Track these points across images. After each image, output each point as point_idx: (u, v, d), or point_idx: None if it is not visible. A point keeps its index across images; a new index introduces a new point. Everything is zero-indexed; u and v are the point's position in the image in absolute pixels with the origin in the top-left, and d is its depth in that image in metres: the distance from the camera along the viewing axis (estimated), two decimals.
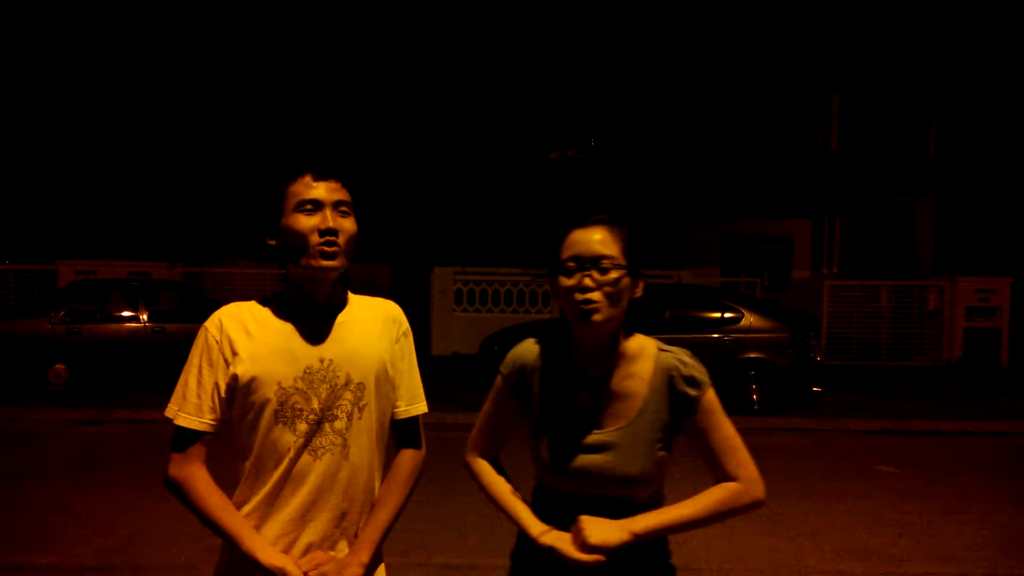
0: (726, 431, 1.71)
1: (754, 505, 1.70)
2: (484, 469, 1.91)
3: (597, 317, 1.62)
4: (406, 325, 1.92)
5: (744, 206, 17.45)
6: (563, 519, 1.70)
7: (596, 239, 1.66)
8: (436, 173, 17.11)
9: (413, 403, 1.90)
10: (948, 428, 8.87)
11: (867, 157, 17.44)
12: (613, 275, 1.63)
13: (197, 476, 1.72)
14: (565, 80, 16.94)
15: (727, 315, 9.53)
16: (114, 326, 10.04)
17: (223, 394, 1.71)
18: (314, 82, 17.50)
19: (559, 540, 1.66)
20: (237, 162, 17.12)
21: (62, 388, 9.52)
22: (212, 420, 1.72)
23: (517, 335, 11.94)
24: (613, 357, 1.73)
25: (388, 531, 1.82)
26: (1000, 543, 5.17)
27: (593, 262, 1.63)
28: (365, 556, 1.75)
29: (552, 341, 1.83)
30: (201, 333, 1.76)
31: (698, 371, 1.71)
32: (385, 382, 1.82)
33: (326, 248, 1.70)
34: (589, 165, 16.05)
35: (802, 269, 17.96)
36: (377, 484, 1.85)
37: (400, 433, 1.91)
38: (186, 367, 1.76)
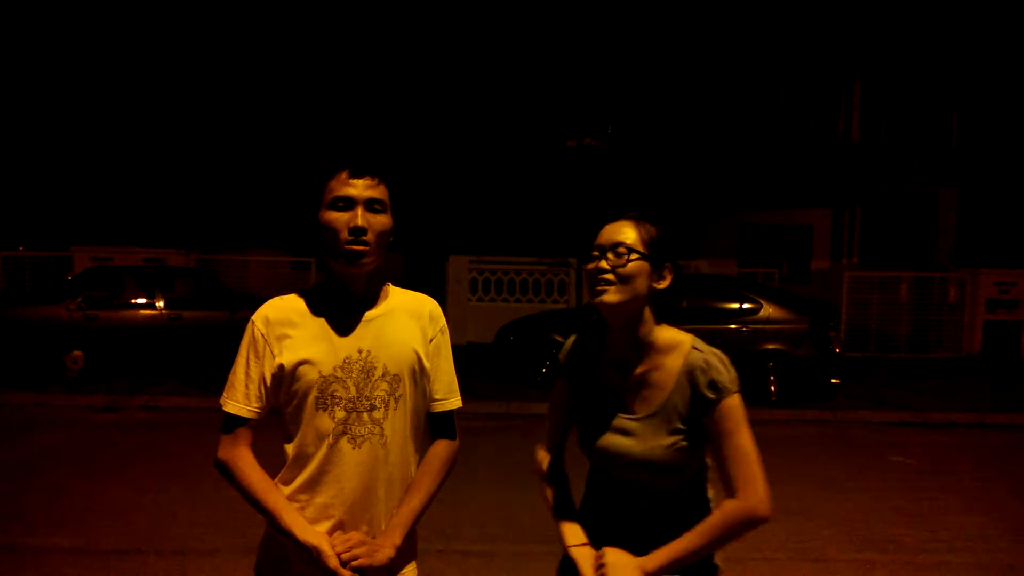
0: (739, 440, 1.72)
1: (752, 524, 1.71)
2: (541, 462, 2.05)
3: (606, 298, 1.76)
4: (443, 322, 2.00)
5: (762, 195, 17.32)
6: (600, 498, 1.90)
7: (617, 230, 1.80)
8: (451, 161, 17.08)
9: (448, 397, 1.98)
10: (966, 420, 8.79)
11: (888, 146, 17.25)
12: (623, 259, 1.76)
13: (243, 458, 1.82)
14: (582, 68, 16.83)
15: (745, 306, 9.44)
16: (130, 313, 10.08)
17: (268, 383, 1.82)
18: (328, 69, 17.48)
19: (584, 558, 1.81)
20: (251, 150, 17.16)
21: (79, 374, 9.57)
22: (258, 407, 1.83)
23: (533, 324, 11.90)
24: (643, 345, 1.83)
25: (419, 517, 1.89)
26: (1016, 533, 5.15)
27: (611, 248, 1.78)
28: (397, 539, 1.82)
29: (592, 331, 1.96)
30: (248, 327, 1.85)
31: (724, 376, 1.74)
32: (421, 376, 1.90)
33: (354, 247, 1.76)
34: (606, 153, 15.94)
35: (821, 259, 17.81)
36: (412, 473, 1.92)
37: (435, 426, 1.98)
38: (236, 358, 1.85)
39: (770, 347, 9.16)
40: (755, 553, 4.70)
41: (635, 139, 17.15)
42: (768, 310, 9.34)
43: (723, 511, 1.72)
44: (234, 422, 1.82)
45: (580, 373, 1.92)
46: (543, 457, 2.04)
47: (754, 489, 1.70)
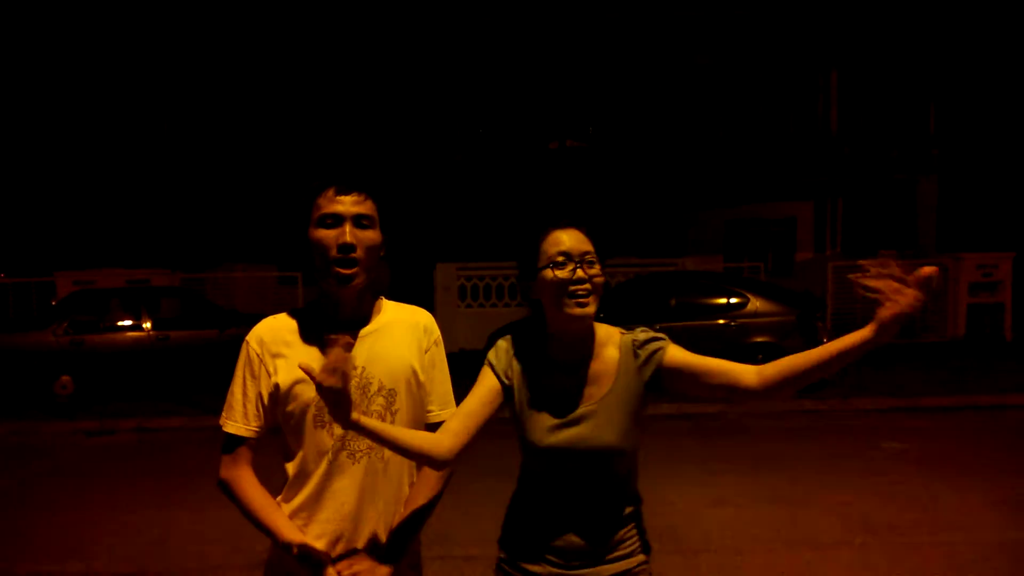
0: (706, 357, 1.81)
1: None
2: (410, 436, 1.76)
3: (588, 311, 1.78)
4: (437, 334, 2.01)
5: (746, 190, 17.42)
6: (549, 505, 1.87)
7: (580, 237, 1.83)
8: (435, 169, 17.08)
9: (444, 408, 1.99)
10: (953, 403, 8.90)
11: (867, 136, 17.40)
12: (597, 268, 1.81)
13: (244, 478, 1.83)
14: (561, 70, 16.89)
15: (732, 300, 9.51)
16: (117, 335, 10.01)
17: (266, 402, 1.84)
18: (311, 81, 17.46)
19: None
20: (233, 165, 17.09)
21: (69, 400, 9.51)
22: (256, 427, 1.84)
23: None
24: (586, 343, 1.88)
25: (419, 529, 1.91)
26: (1005, 512, 5.22)
27: (581, 257, 1.80)
28: (397, 553, 1.84)
29: (528, 334, 1.96)
30: (243, 347, 1.87)
31: (653, 333, 1.87)
32: (417, 388, 1.91)
33: (342, 268, 1.77)
34: (588, 154, 16.00)
35: (805, 251, 17.93)
36: (409, 486, 1.94)
37: None
38: (233, 379, 1.87)
39: (759, 340, 9.22)
40: (752, 542, 4.74)
41: (616, 139, 17.22)
42: (755, 304, 9.41)
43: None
44: (234, 442, 1.83)
45: (520, 374, 1.91)
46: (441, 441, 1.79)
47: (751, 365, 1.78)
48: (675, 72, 17.33)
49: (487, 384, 1.91)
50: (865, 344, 1.64)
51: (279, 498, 1.86)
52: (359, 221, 1.79)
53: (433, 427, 1.95)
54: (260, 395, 1.82)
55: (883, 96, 17.49)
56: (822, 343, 7.53)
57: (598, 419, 1.81)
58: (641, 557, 1.91)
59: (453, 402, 2.01)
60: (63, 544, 5.06)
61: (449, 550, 4.71)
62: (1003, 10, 16.74)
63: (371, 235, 1.81)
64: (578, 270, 1.78)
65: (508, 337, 1.98)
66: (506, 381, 1.91)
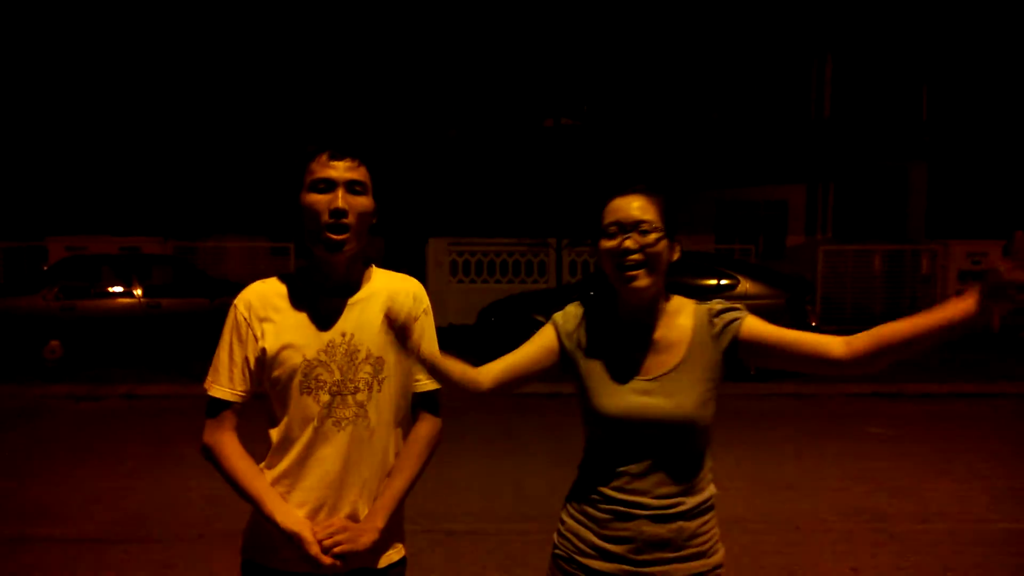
0: (786, 329, 1.77)
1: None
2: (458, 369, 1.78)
3: (639, 284, 1.73)
4: (426, 302, 1.98)
5: (738, 172, 17.43)
6: (616, 474, 1.77)
7: (635, 205, 1.76)
8: (430, 144, 17.00)
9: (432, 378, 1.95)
10: (938, 391, 8.98)
11: (860, 121, 17.40)
12: (652, 236, 1.73)
13: (228, 443, 1.82)
14: (558, 47, 16.78)
15: (723, 282, 9.55)
16: (108, 302, 10.01)
17: (252, 367, 1.81)
18: (305, 50, 17.29)
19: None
20: (227, 134, 16.96)
21: (57, 364, 9.51)
22: (242, 391, 1.82)
23: (514, 305, 11.93)
24: (657, 312, 1.83)
25: (404, 498, 1.90)
26: (988, 498, 5.29)
27: (634, 226, 1.73)
28: (380, 521, 1.83)
29: (602, 299, 1.91)
30: (231, 311, 1.85)
31: (730, 304, 1.83)
32: (404, 357, 1.86)
33: (333, 233, 1.75)
34: (583, 132, 15.95)
35: (796, 235, 17.98)
36: (395, 455, 1.92)
37: (419, 406, 1.98)
38: (219, 342, 1.85)
39: None
40: (734, 525, 4.78)
41: (611, 118, 17.16)
42: (745, 286, 9.45)
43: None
44: (219, 406, 1.81)
45: (592, 342, 1.85)
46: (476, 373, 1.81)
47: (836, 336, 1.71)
48: (670, 53, 17.24)
49: (541, 342, 1.88)
50: (968, 320, 1.51)
51: (262, 464, 1.84)
52: (352, 187, 1.77)
53: (420, 396, 1.95)
54: (247, 359, 1.80)
55: (876, 81, 17.47)
56: (811, 327, 7.49)
57: (670, 387, 1.75)
58: (719, 557, 1.82)
59: None
60: (48, 509, 5.08)
61: (435, 524, 4.76)
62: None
63: (363, 201, 1.80)
64: (626, 240, 1.72)
65: (579, 302, 1.94)
66: (568, 344, 1.86)
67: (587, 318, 1.89)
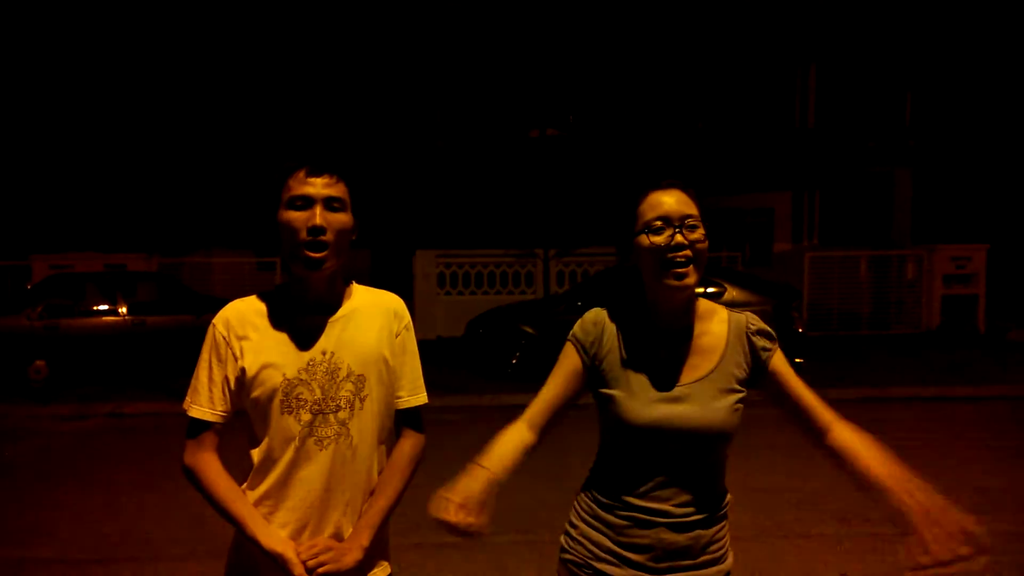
0: (800, 380, 1.82)
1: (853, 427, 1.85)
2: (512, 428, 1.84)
3: (688, 280, 1.67)
4: (407, 319, 1.96)
5: (723, 181, 17.50)
6: (638, 482, 1.74)
7: (682, 200, 1.71)
8: (415, 155, 17.01)
9: (414, 394, 1.95)
10: (927, 394, 9.01)
11: (844, 128, 17.54)
12: (700, 232, 1.69)
13: (209, 464, 1.80)
14: (543, 58, 16.85)
15: (709, 290, 9.57)
16: (93, 320, 9.92)
17: (232, 387, 1.79)
18: (287, 65, 17.28)
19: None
20: (210, 149, 16.91)
21: (43, 384, 9.41)
22: (223, 411, 1.80)
23: (503, 316, 11.90)
24: (688, 315, 1.78)
25: (388, 516, 1.88)
26: (981, 501, 5.28)
27: (681, 221, 1.68)
28: (365, 540, 1.81)
29: (627, 303, 1.85)
30: (210, 330, 1.82)
31: (769, 329, 1.82)
32: (386, 374, 1.87)
33: (311, 251, 1.73)
34: (568, 143, 16.01)
35: (783, 242, 18.07)
36: (378, 472, 1.91)
37: (401, 423, 1.96)
38: (198, 362, 1.83)
39: None
40: None
41: (596, 128, 17.24)
42: (732, 293, 9.48)
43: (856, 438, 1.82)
44: (199, 427, 1.79)
45: (613, 345, 1.78)
46: (518, 425, 1.82)
47: (831, 411, 1.83)
48: (655, 63, 17.35)
49: (566, 367, 1.81)
50: (900, 516, 1.67)
51: (244, 485, 1.82)
52: (330, 204, 1.75)
53: (402, 412, 1.93)
54: (226, 379, 1.78)
55: (860, 88, 17.63)
56: (798, 332, 7.51)
57: (702, 395, 1.71)
58: (730, 563, 1.82)
59: (423, 387, 1.97)
60: (34, 529, 5.02)
61: (424, 537, 4.70)
62: (978, 2, 16.91)
63: (342, 218, 1.77)
64: (677, 235, 1.66)
65: (600, 308, 1.85)
66: (588, 358, 1.79)
67: (610, 324, 1.81)
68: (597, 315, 1.84)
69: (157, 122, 17.34)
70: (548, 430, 1.82)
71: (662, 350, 1.76)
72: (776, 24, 17.21)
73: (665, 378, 1.73)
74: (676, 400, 1.71)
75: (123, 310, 9.97)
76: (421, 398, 1.96)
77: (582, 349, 1.81)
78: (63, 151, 17.07)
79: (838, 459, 1.76)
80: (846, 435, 1.77)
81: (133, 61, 17.19)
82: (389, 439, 1.94)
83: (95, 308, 10.00)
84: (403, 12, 16.84)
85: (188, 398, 1.81)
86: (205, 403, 1.79)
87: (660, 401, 1.71)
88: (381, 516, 1.85)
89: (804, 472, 6.03)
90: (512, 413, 1.89)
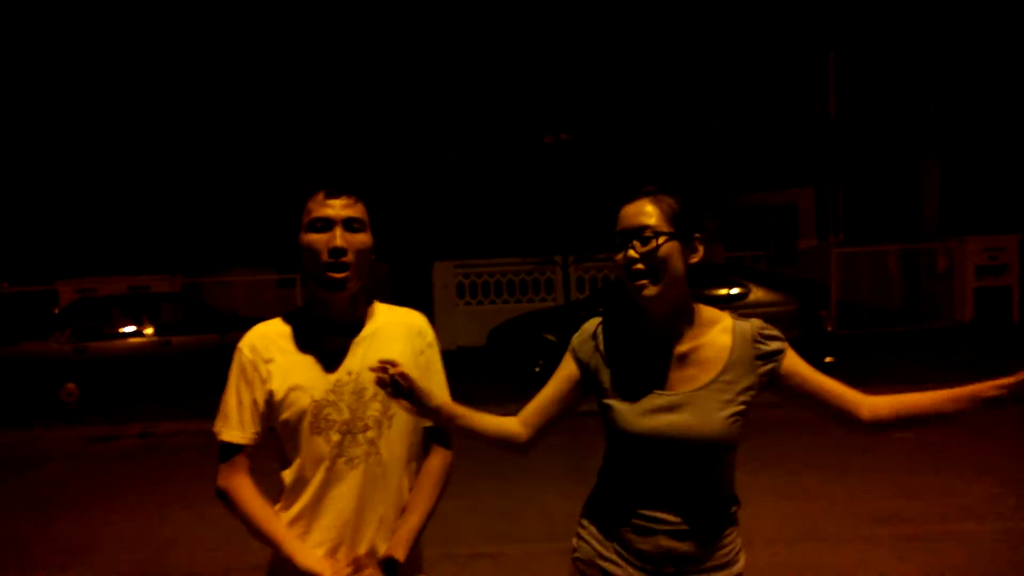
0: (818, 371, 1.78)
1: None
2: (496, 423, 1.86)
3: (646, 293, 1.67)
4: (431, 336, 2.00)
5: (744, 177, 17.35)
6: (637, 491, 1.75)
7: (638, 211, 1.69)
8: (430, 167, 17.04)
9: None
10: None
11: (867, 120, 17.30)
12: (653, 243, 1.66)
13: (242, 486, 1.82)
14: (553, 62, 16.82)
15: (733, 291, 9.44)
16: (120, 342, 10.03)
17: (261, 409, 1.81)
18: (303, 81, 17.42)
19: None
20: (227, 169, 17.07)
21: (75, 406, 9.57)
22: (253, 434, 1.82)
23: (524, 325, 11.84)
24: (686, 323, 1.77)
25: (421, 532, 1.89)
26: (1018, 500, 5.17)
27: (635, 233, 1.68)
28: (400, 556, 1.82)
29: (623, 311, 1.86)
30: (236, 354, 1.85)
31: (776, 330, 1.79)
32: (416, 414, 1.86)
33: (334, 272, 1.75)
34: (583, 147, 15.94)
35: (808, 238, 17.85)
36: (409, 489, 1.92)
37: (429, 439, 1.97)
38: (226, 387, 1.85)
39: None
40: (756, 536, 4.68)
41: (610, 131, 17.15)
42: (757, 294, 9.35)
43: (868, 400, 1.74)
44: (231, 450, 1.82)
45: (614, 359, 1.79)
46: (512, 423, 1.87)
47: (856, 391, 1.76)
48: (669, 61, 17.24)
49: (563, 373, 1.86)
50: (990, 406, 1.63)
51: (277, 506, 1.84)
52: (350, 224, 1.77)
53: (430, 429, 1.94)
54: (255, 401, 1.80)
55: (882, 78, 17.37)
56: (826, 332, 7.40)
57: (699, 404, 1.69)
58: (740, 567, 1.80)
59: None
60: (71, 550, 5.06)
61: (455, 548, 4.68)
62: None
63: (362, 238, 1.79)
64: (629, 249, 1.68)
65: (597, 318, 1.88)
66: (587, 365, 1.82)
67: (607, 333, 1.83)
68: (594, 324, 1.86)
69: (174, 144, 17.55)
70: (540, 430, 1.87)
71: (654, 358, 1.75)
72: (790, 12, 17.01)
73: (664, 388, 1.73)
74: (672, 409, 1.70)
75: (149, 331, 10.05)
76: None
77: (578, 358, 1.84)
78: (85, 177, 17.33)
79: (886, 423, 1.70)
80: (879, 402, 1.72)
81: (153, 88, 17.42)
82: (418, 456, 1.95)
83: (122, 330, 10.10)
84: (415, 23, 16.90)
85: (218, 422, 1.83)
86: (235, 427, 1.81)
87: (656, 410, 1.70)
88: (414, 533, 1.86)
89: (839, 475, 5.93)
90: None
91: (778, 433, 7.32)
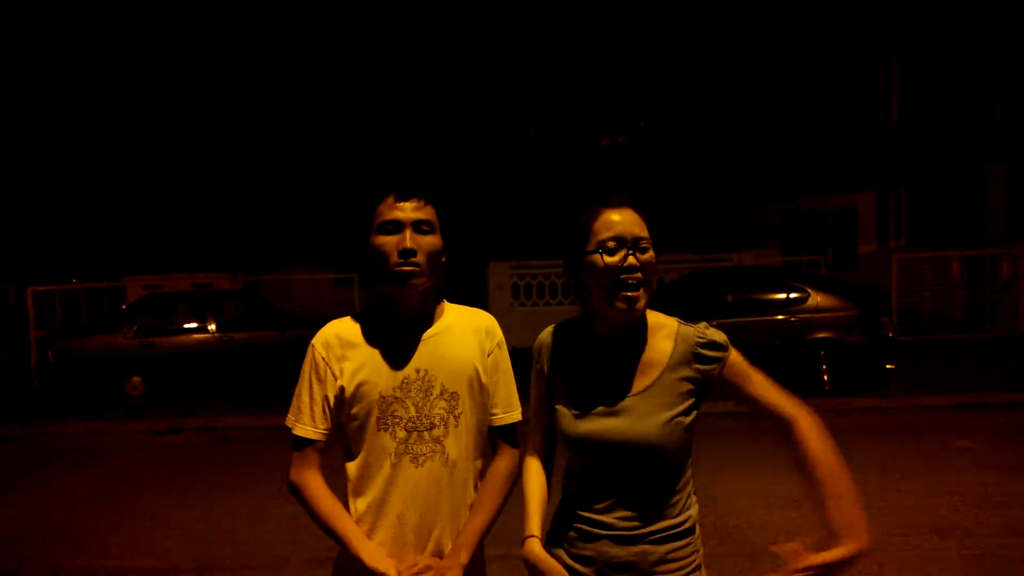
0: (759, 377, 1.76)
1: (817, 424, 1.74)
2: (526, 469, 1.96)
3: (639, 304, 1.68)
4: (500, 336, 2.00)
5: (803, 181, 17.05)
6: (583, 496, 1.78)
7: (633, 220, 1.71)
8: (487, 168, 17.14)
9: (509, 411, 1.98)
10: None
11: (930, 124, 16.85)
12: (651, 254, 1.69)
13: (313, 481, 1.86)
14: (611, 65, 16.78)
15: (792, 295, 9.32)
16: (184, 338, 10.31)
17: (332, 405, 1.85)
18: (365, 86, 17.69)
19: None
20: (290, 171, 17.42)
21: (140, 399, 9.85)
22: (324, 429, 1.86)
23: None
24: (636, 331, 1.78)
25: (485, 534, 1.91)
26: None
27: (634, 243, 1.68)
28: (464, 558, 1.84)
29: (572, 321, 1.91)
30: (309, 351, 1.88)
31: (720, 337, 1.76)
32: (479, 391, 1.91)
33: (404, 268, 1.78)
34: (640, 149, 15.86)
35: (868, 243, 17.45)
36: (475, 489, 1.94)
37: (496, 440, 1.99)
38: (299, 382, 1.89)
39: (820, 336, 9.02)
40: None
41: (668, 133, 17.03)
42: (816, 299, 9.20)
43: (807, 434, 1.72)
44: (303, 444, 1.85)
45: (562, 365, 1.83)
46: (532, 464, 1.94)
47: (795, 403, 1.74)
48: (730, 64, 17.05)
49: (537, 392, 1.91)
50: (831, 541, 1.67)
51: (346, 501, 1.87)
52: (419, 227, 1.80)
53: (498, 429, 1.96)
54: (326, 398, 1.83)
55: (945, 82, 16.90)
56: (887, 337, 7.26)
57: (637, 409, 1.70)
58: None
59: (518, 404, 2.00)
60: (137, 540, 5.23)
61: (508, 549, 4.70)
62: None
63: (431, 240, 1.83)
64: (630, 256, 1.67)
65: (553, 326, 1.92)
66: (547, 374, 1.86)
67: (558, 341, 1.87)
68: (548, 333, 1.90)
69: (241, 147, 17.98)
70: (554, 454, 1.94)
71: (605, 365, 1.77)
72: (854, 20, 16.69)
73: (605, 392, 1.75)
74: (612, 414, 1.72)
75: (212, 327, 10.33)
76: (515, 415, 1.99)
77: (540, 368, 1.89)
78: (152, 178, 17.87)
79: (794, 459, 1.71)
80: (802, 439, 1.70)
81: (222, 94, 17.89)
82: (485, 455, 1.97)
83: (186, 326, 10.40)
84: (475, 28, 17.03)
85: (292, 416, 1.87)
86: (308, 421, 1.84)
87: (596, 415, 1.73)
88: (479, 534, 1.88)
89: (899, 484, 5.81)
90: None
91: (841, 439, 7.20)
